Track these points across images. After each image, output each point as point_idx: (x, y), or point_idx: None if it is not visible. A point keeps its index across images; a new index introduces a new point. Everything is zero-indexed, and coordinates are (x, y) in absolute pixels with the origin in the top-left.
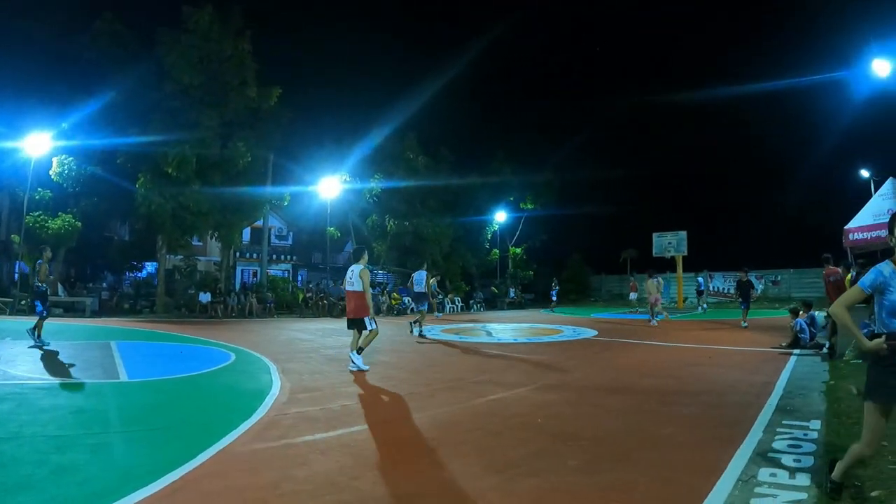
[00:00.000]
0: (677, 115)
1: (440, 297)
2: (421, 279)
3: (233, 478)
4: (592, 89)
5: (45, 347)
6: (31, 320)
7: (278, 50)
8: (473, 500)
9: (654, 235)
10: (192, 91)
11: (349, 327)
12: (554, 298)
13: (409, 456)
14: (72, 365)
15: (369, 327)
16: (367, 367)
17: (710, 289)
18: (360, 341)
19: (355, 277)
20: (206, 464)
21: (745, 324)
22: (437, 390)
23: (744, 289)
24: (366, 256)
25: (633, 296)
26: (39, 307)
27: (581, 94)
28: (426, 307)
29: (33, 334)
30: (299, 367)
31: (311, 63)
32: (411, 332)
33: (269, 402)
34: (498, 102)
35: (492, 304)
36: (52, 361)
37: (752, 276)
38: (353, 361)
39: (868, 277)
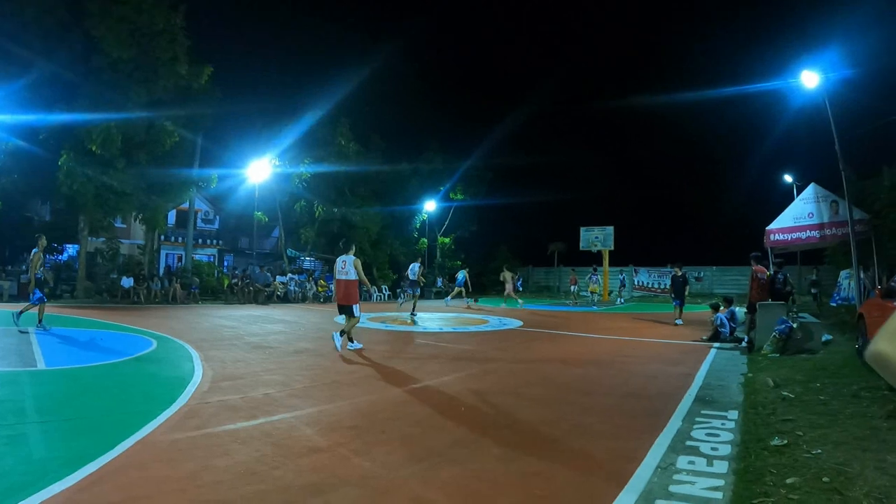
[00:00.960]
0: (607, 112)
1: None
2: (415, 270)
3: (152, 469)
4: (525, 83)
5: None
6: None
7: (212, 27)
8: (395, 489)
9: (582, 229)
10: (121, 65)
11: (341, 312)
12: (520, 289)
13: (330, 445)
14: None
15: (356, 314)
16: (361, 345)
17: (636, 283)
18: (348, 330)
19: (349, 267)
20: (125, 454)
21: (680, 321)
22: (360, 378)
23: (677, 285)
24: (354, 248)
25: (573, 288)
26: (38, 294)
27: (514, 87)
28: (418, 291)
29: (17, 320)
30: (222, 354)
31: (245, 43)
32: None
33: (190, 390)
34: (432, 92)
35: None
36: None
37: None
38: (351, 342)
39: None
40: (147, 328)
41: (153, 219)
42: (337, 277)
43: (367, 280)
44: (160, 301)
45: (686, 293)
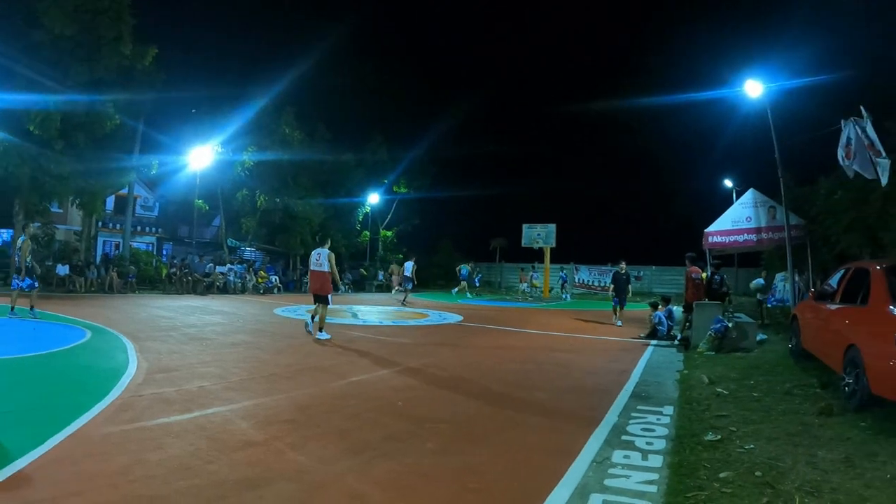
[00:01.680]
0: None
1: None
2: (409, 267)
3: (83, 463)
4: (472, 78)
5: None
6: None
7: (158, 7)
8: (330, 484)
9: (524, 226)
10: (62, 42)
11: (316, 301)
12: (476, 284)
13: (266, 439)
14: None
15: (329, 303)
16: (329, 336)
17: (577, 281)
18: (320, 320)
19: (323, 259)
20: (56, 449)
21: (619, 322)
22: (298, 371)
23: (620, 283)
24: (329, 242)
25: (523, 286)
26: (29, 281)
27: (460, 82)
28: (410, 286)
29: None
30: (158, 345)
31: (190, 26)
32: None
33: (124, 382)
34: (379, 83)
35: (360, 286)
36: None
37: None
38: (321, 332)
39: None
40: (81, 318)
41: (91, 204)
42: (311, 269)
43: (337, 272)
44: (96, 290)
45: (629, 292)
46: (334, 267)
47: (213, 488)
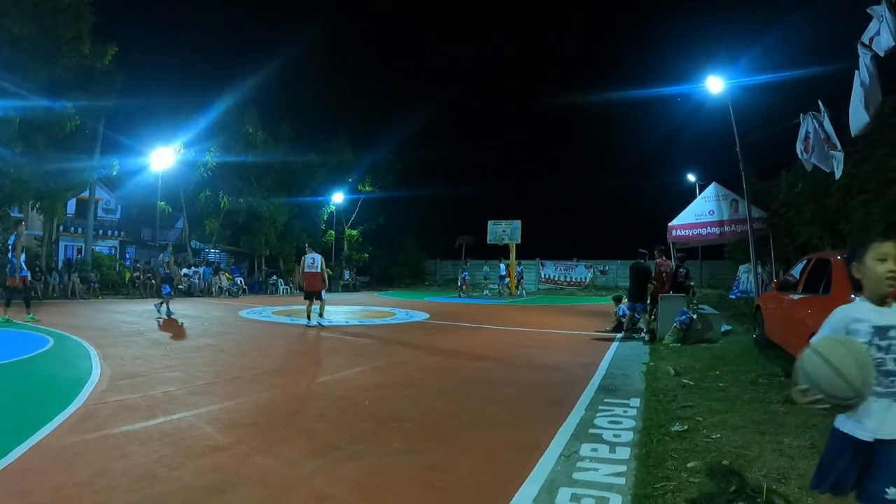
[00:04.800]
0: (516, 108)
1: None
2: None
3: (46, 475)
4: (436, 77)
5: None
6: None
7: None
8: (296, 486)
9: (490, 223)
10: (21, 42)
11: (307, 298)
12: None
13: (231, 443)
14: None
15: (324, 297)
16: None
17: (542, 276)
18: (320, 309)
19: (318, 262)
20: (18, 461)
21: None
22: (263, 374)
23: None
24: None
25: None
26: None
27: (425, 80)
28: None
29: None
30: (121, 351)
31: (151, 24)
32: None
33: (87, 390)
34: (342, 82)
35: (326, 286)
36: None
37: (581, 265)
38: (323, 321)
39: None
40: (44, 325)
41: (51, 207)
42: (307, 271)
43: (326, 274)
44: (58, 296)
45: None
46: (325, 268)
47: (179, 495)
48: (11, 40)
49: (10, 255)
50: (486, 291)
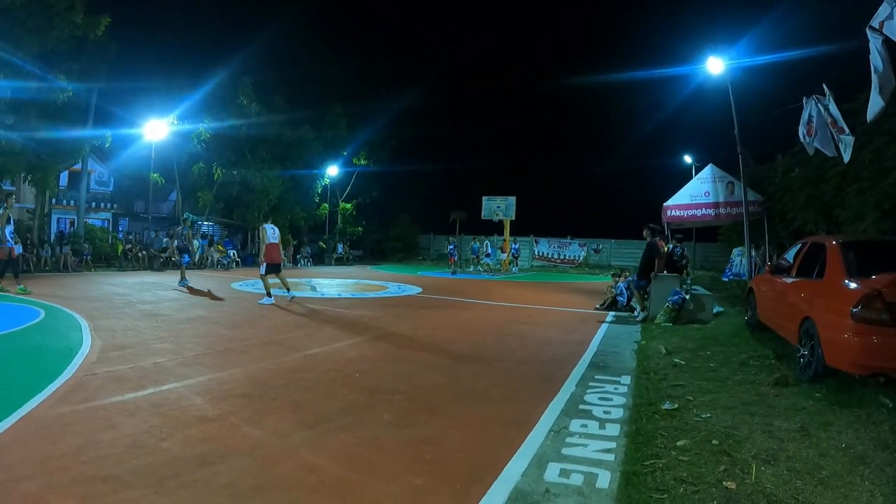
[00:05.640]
0: (513, 83)
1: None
2: (489, 246)
3: (34, 446)
4: (432, 50)
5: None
6: None
7: None
8: (285, 458)
9: (484, 199)
10: (12, 11)
11: (271, 272)
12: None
13: (220, 413)
14: None
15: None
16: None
17: (536, 253)
18: (267, 287)
19: (277, 232)
20: (7, 432)
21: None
22: (254, 345)
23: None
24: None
25: (503, 256)
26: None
27: (420, 54)
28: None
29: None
30: (112, 323)
31: None
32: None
33: (77, 361)
34: (338, 54)
35: (319, 259)
36: None
37: (575, 243)
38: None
39: None
40: (35, 298)
41: (44, 180)
42: (272, 241)
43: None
44: (50, 269)
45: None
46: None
47: (167, 466)
48: (2, 10)
49: None
50: (471, 268)
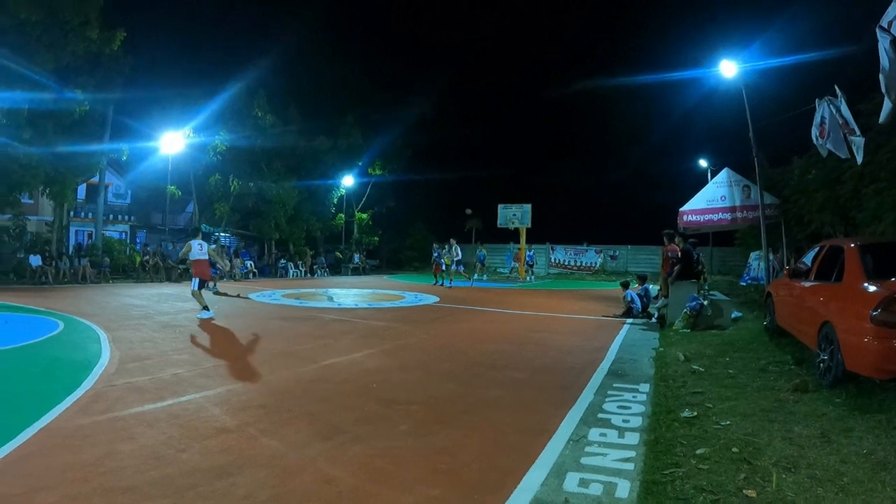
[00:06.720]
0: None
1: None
2: (458, 251)
3: (55, 457)
4: (445, 59)
5: None
6: None
7: None
8: (302, 468)
9: (500, 206)
10: (28, 28)
11: (202, 287)
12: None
13: (238, 425)
14: None
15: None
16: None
17: (552, 261)
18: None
19: (206, 249)
20: (28, 443)
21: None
22: (272, 356)
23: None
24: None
25: (514, 264)
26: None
27: (434, 63)
28: (462, 268)
29: None
30: (131, 334)
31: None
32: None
33: (96, 373)
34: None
35: (336, 269)
36: None
37: (591, 250)
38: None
39: None
40: (54, 309)
41: (61, 193)
42: (200, 258)
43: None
44: (69, 281)
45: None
46: (214, 255)
47: (186, 477)
48: (18, 26)
49: None
50: (475, 276)
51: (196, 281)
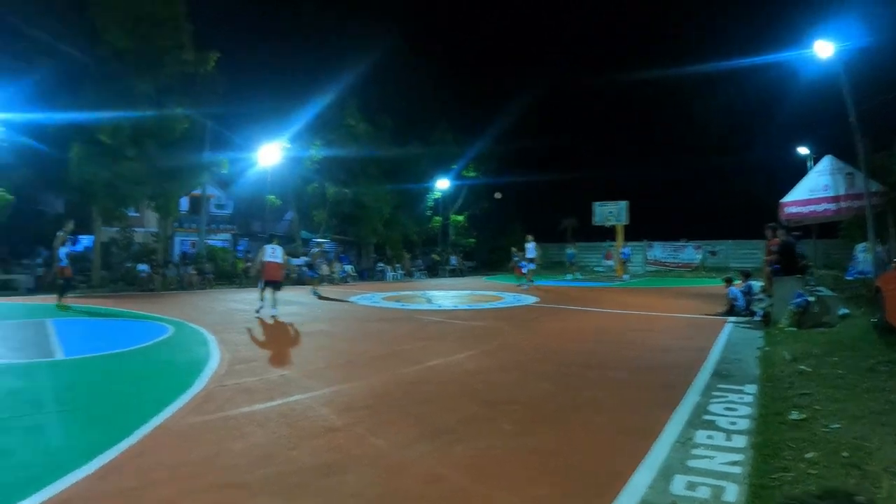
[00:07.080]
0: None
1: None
2: (532, 248)
3: (169, 454)
4: (534, 60)
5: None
6: None
7: (215, 11)
8: (408, 467)
9: (595, 204)
10: (125, 56)
11: (269, 287)
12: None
13: (345, 424)
14: (6, 345)
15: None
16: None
17: (649, 258)
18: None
19: (278, 252)
20: (143, 441)
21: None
22: (374, 358)
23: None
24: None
25: (609, 262)
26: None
27: (523, 65)
28: (533, 266)
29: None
30: (237, 337)
31: (250, 26)
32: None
33: (206, 374)
34: (441, 71)
35: (433, 271)
36: None
37: (690, 246)
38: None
39: None
40: (163, 314)
41: (166, 206)
42: (268, 260)
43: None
44: (175, 287)
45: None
46: (286, 258)
47: (295, 475)
48: (116, 54)
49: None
50: (569, 275)
51: (262, 282)
